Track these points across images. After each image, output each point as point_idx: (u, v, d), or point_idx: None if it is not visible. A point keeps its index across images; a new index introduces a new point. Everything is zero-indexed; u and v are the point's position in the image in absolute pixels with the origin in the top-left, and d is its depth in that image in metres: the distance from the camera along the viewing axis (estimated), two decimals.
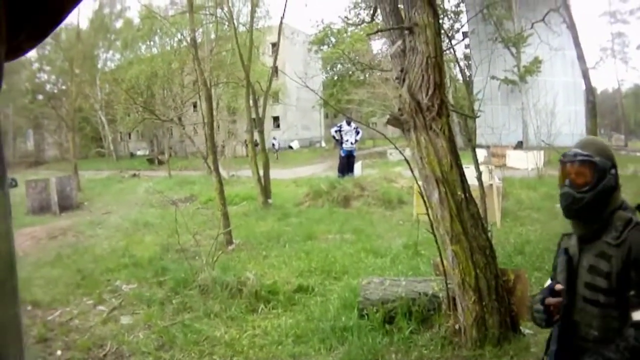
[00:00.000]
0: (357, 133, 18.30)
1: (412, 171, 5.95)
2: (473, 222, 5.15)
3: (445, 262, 5.43)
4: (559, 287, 2.41)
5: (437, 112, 5.12)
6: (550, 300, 2.39)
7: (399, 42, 5.35)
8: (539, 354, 5.20)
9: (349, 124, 18.41)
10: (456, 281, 5.26)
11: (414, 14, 5.14)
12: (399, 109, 5.38)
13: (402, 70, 5.28)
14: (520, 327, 5.38)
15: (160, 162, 36.75)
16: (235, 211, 13.82)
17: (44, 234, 12.72)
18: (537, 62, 37.71)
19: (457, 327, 5.41)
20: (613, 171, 2.44)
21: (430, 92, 5.10)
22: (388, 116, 5.65)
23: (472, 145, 8.77)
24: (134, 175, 29.66)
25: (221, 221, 10.23)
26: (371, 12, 7.00)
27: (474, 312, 5.17)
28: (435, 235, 5.47)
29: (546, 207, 13.02)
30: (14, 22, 0.58)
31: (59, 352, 6.06)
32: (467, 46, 47.24)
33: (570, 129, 28.18)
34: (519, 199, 14.59)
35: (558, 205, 9.42)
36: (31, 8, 0.59)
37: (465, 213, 5.14)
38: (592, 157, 2.41)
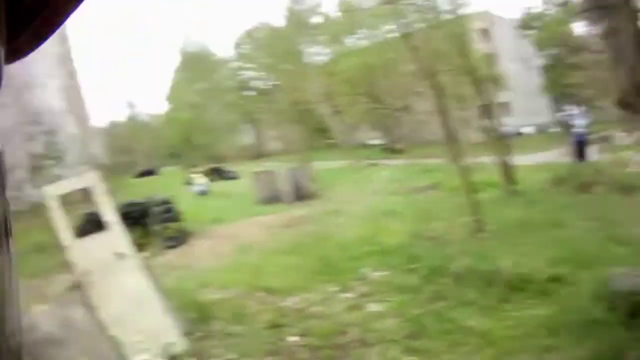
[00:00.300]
0: (586, 118, 17.33)
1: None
2: None
3: None
4: None
5: None
6: None
7: (605, 23, 5.12)
8: None
9: (577, 108, 17.58)
10: None
11: None
12: (622, 91, 5.10)
13: (614, 50, 5.03)
14: None
15: (397, 151, 37.03)
16: (482, 198, 13.70)
17: (278, 223, 13.45)
18: None
19: None
20: None
21: None
22: (617, 99, 5.35)
23: None
24: (372, 164, 29.90)
25: (470, 208, 10.20)
26: None
27: None
28: None
29: None
30: (14, 23, 0.58)
31: (291, 338, 6.30)
32: None
33: None
34: None
35: None
36: (31, 10, 0.60)
37: None
38: None
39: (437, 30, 21.18)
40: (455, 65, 21.51)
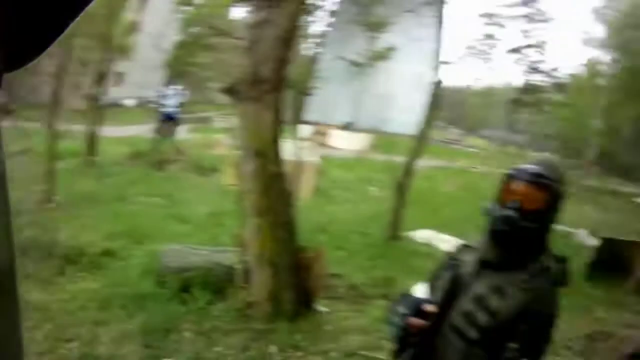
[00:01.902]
0: (180, 97, 17.78)
1: (233, 141, 5.86)
2: (281, 198, 5.20)
3: (245, 233, 5.42)
4: (430, 308, 2.04)
5: (274, 86, 5.10)
6: (414, 321, 2.02)
7: (261, 13, 5.21)
8: (334, 331, 5.35)
9: (170, 87, 17.99)
10: (254, 254, 5.27)
11: None
12: (238, 79, 5.28)
13: (252, 41, 5.18)
14: (316, 305, 5.46)
15: (8, 112, 33.53)
16: (61, 167, 13.05)
17: None
18: (390, 49, 37.72)
19: (249, 299, 5.42)
20: (560, 203, 2.04)
21: (273, 66, 5.07)
22: (228, 84, 5.49)
23: (297, 121, 8.87)
24: None
25: (44, 178, 9.76)
26: None
27: (268, 286, 5.22)
28: (240, 207, 5.45)
29: (359, 189, 13.41)
30: (15, 31, 0.55)
31: None
32: (329, 24, 47.60)
33: (407, 117, 27.94)
34: (333, 178, 14.86)
35: (373, 188, 9.67)
36: (34, 16, 0.56)
37: (275, 188, 5.17)
38: (552, 183, 1.99)
39: None
40: (94, 30, 20.34)
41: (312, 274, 5.45)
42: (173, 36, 38.72)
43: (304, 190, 10.97)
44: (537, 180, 1.96)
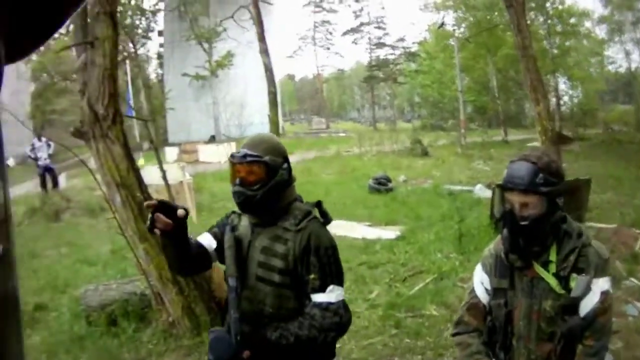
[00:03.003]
0: (49, 146, 17.51)
1: (95, 178, 6.01)
2: None
3: (140, 260, 5.56)
4: (181, 212, 2.22)
5: (112, 121, 5.21)
6: (160, 217, 2.18)
7: (83, 56, 5.35)
8: None
9: (39, 139, 17.67)
10: (155, 277, 5.43)
11: (97, 28, 5.19)
12: (80, 121, 5.39)
13: (84, 83, 5.31)
14: None
15: None
16: None
17: None
18: (228, 56, 37.98)
19: (170, 319, 5.60)
20: (285, 166, 2.46)
21: (105, 102, 5.17)
22: (71, 129, 5.64)
23: (154, 145, 8.96)
24: None
25: None
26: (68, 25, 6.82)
27: (179, 303, 5.40)
28: (125, 237, 5.60)
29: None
30: (15, 23, 0.56)
31: None
32: (161, 45, 46.75)
33: (260, 118, 28.15)
34: (213, 192, 15.15)
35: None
36: (33, 9, 0.58)
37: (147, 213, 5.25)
38: (261, 157, 2.38)
39: None
40: None
41: (215, 282, 5.65)
42: (29, 88, 37.27)
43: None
44: (248, 160, 2.38)
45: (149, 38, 44.66)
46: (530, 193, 2.26)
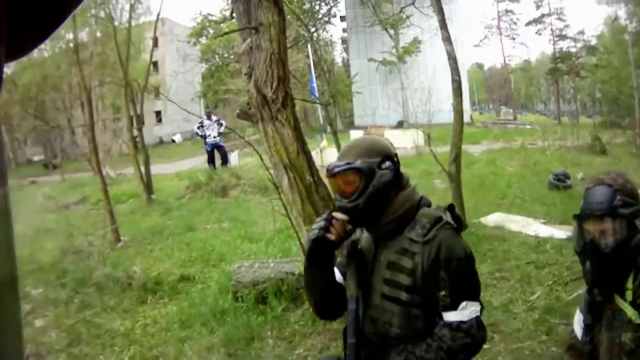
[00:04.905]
0: (220, 125, 18.54)
1: (261, 159, 6.29)
2: (324, 204, 5.40)
3: (303, 242, 5.69)
4: (340, 216, 2.24)
5: (282, 104, 5.41)
6: (337, 214, 2.24)
7: (248, 41, 5.59)
8: None
9: (209, 117, 18.74)
10: None
11: (260, 14, 5.41)
12: (247, 103, 5.68)
13: (249, 67, 5.56)
14: None
15: (54, 167, 35.19)
16: (122, 209, 14.09)
17: None
18: (416, 42, 38.39)
19: None
20: (387, 164, 2.25)
21: (274, 86, 5.39)
22: (237, 111, 5.98)
23: (332, 129, 9.22)
24: (32, 182, 28.39)
25: (108, 220, 10.58)
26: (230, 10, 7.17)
27: None
28: (290, 218, 5.77)
29: (424, 184, 13.69)
30: (15, 21, 0.58)
31: None
32: (344, 30, 48.02)
33: (449, 105, 26.91)
34: None
35: (437, 181, 9.97)
36: (32, 7, 0.60)
37: (315, 196, 5.44)
38: (350, 163, 2.22)
39: (110, 40, 21.06)
40: (117, 76, 21.47)
41: None
42: (195, 69, 39.48)
43: None
44: (336, 171, 2.25)
45: (331, 23, 46.11)
46: (609, 217, 2.23)
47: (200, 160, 23.24)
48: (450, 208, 2.30)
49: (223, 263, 8.31)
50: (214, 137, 18.33)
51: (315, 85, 20.97)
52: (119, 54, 16.10)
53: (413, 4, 17.36)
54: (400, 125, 35.01)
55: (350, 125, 39.37)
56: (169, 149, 39.56)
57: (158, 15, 18.52)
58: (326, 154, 15.09)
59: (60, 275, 8.76)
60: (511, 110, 60.86)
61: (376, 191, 2.20)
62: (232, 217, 11.63)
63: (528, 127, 35.10)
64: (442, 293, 2.12)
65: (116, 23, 18.91)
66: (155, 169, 16.68)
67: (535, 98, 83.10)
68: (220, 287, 6.97)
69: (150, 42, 22.97)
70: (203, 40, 42.96)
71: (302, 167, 5.51)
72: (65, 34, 34.04)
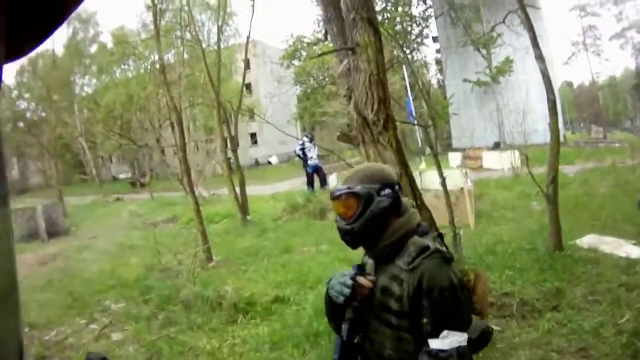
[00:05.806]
0: (315, 147, 18.73)
1: None
2: None
3: None
4: (370, 279, 2.39)
5: (383, 126, 5.35)
6: (362, 279, 2.36)
7: (345, 62, 5.60)
8: (504, 348, 5.53)
9: (310, 140, 18.89)
10: None
11: (356, 34, 5.37)
12: (348, 125, 5.66)
13: (348, 89, 5.56)
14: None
15: (142, 185, 36.46)
16: (215, 229, 14.39)
17: (34, 261, 13.12)
18: (508, 61, 37.61)
19: None
20: (386, 191, 2.39)
21: (375, 108, 5.32)
22: (338, 133, 5.96)
23: (433, 152, 9.12)
24: (118, 199, 29.52)
25: (199, 239, 10.72)
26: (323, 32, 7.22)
27: None
28: None
29: (521, 205, 13.42)
30: (15, 22, 0.58)
31: None
32: (437, 51, 47.77)
33: (544, 125, 26.63)
34: (494, 200, 14.99)
35: (534, 203, 9.69)
36: (32, 8, 0.60)
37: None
38: (351, 188, 2.39)
39: (198, 62, 21.82)
40: (208, 98, 22.16)
41: (477, 295, 5.68)
42: (290, 91, 40.07)
43: (465, 216, 11.28)
44: (337, 194, 2.43)
45: (424, 44, 46.01)
46: None
47: (297, 183, 23.51)
48: (440, 236, 2.46)
49: (320, 285, 8.12)
50: (314, 158, 18.50)
51: (412, 107, 20.93)
52: (209, 76, 16.41)
53: (504, 21, 17.12)
54: (497, 146, 34.50)
55: (448, 147, 38.94)
56: (265, 170, 40.22)
57: (248, 37, 18.86)
58: (425, 177, 14.96)
59: (145, 291, 8.96)
60: (601, 129, 59.14)
61: (373, 216, 2.35)
62: (330, 240, 11.43)
63: (617, 145, 34.01)
64: (424, 320, 2.21)
65: (203, 45, 19.44)
66: (250, 190, 16.88)
67: (622, 115, 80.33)
68: (315, 310, 6.84)
69: (242, 64, 23.57)
70: (296, 62, 43.57)
71: (405, 190, 5.42)
72: (149, 54, 35.66)
